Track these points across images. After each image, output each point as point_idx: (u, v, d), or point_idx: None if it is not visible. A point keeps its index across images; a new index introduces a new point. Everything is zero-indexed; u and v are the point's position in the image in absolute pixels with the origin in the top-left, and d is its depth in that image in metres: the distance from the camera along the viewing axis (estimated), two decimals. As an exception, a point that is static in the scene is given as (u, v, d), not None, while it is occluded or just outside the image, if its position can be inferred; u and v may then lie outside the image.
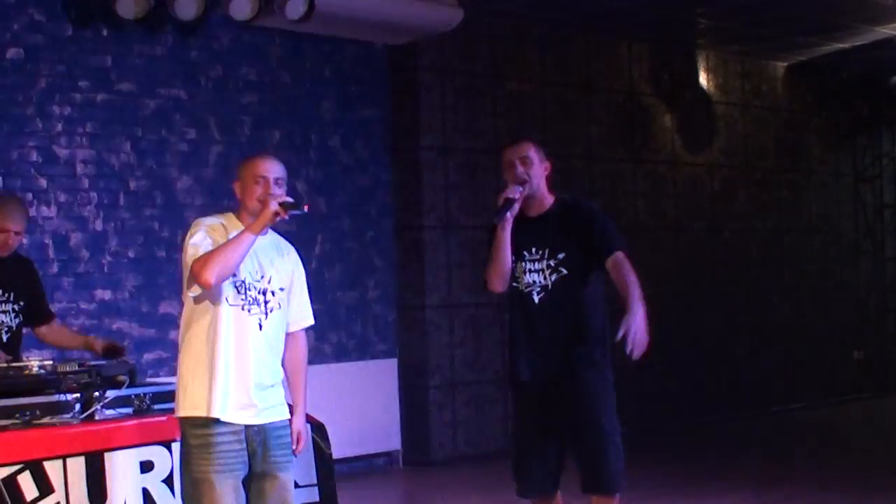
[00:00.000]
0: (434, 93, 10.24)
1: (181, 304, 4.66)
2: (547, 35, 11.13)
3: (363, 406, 9.68)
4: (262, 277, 4.57)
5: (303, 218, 9.74)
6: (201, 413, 4.43)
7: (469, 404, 10.36)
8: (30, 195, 7.98)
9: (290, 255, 4.76)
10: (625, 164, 11.89)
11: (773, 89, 13.64)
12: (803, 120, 14.00)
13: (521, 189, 5.24)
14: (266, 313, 4.55)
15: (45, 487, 4.72)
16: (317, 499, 5.59)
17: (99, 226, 8.35)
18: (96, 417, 4.97)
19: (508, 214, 5.21)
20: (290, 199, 4.55)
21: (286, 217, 4.53)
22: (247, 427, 4.47)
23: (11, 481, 4.64)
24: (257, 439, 4.50)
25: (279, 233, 4.76)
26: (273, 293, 4.60)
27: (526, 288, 5.30)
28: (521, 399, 5.37)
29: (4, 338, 5.84)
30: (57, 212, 8.17)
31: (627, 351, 4.93)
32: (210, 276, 4.33)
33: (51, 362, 5.30)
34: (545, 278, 5.27)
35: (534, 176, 5.30)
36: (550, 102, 11.16)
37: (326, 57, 9.76)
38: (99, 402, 4.99)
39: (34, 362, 5.24)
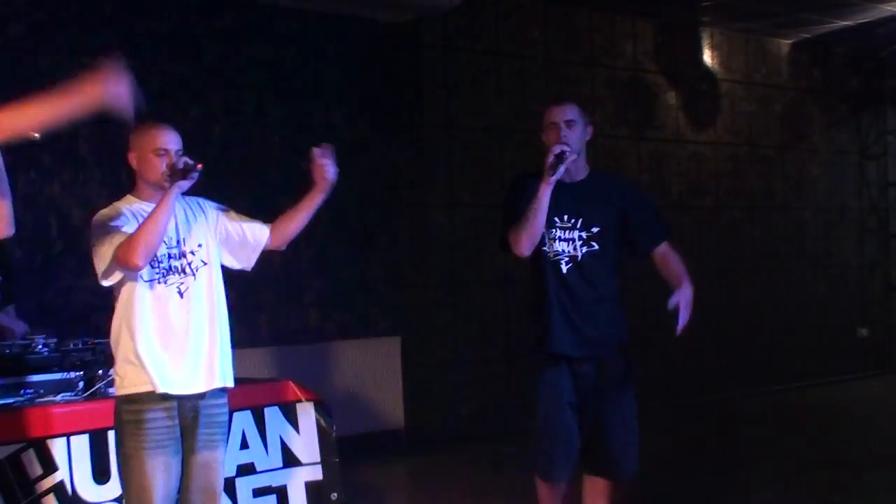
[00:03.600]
0: (437, 70, 10.21)
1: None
2: (550, 12, 11.09)
3: (366, 384, 9.69)
4: (178, 242, 4.55)
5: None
6: (135, 391, 4.39)
7: (472, 383, 10.36)
8: (33, 173, 7.96)
9: (203, 209, 4.75)
10: (628, 142, 11.86)
11: (777, 67, 13.60)
12: (808, 97, 13.96)
13: (569, 149, 4.87)
14: (193, 274, 4.54)
15: (48, 465, 4.74)
16: (320, 477, 5.61)
17: (101, 203, 8.33)
18: (100, 395, 4.98)
19: (554, 176, 4.84)
20: (188, 162, 4.48)
21: (192, 177, 4.48)
22: (180, 403, 4.44)
23: (15, 459, 4.66)
24: (190, 415, 4.46)
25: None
26: (193, 252, 4.57)
27: (554, 256, 4.99)
28: (551, 372, 5.00)
29: None
30: (60, 190, 8.15)
31: (681, 324, 4.87)
32: (137, 258, 4.31)
33: (54, 340, 5.31)
34: (575, 249, 4.98)
35: (577, 140, 4.98)
36: (554, 80, 11.12)
37: (330, 34, 9.73)
38: (102, 380, 5.00)
39: (38, 340, 5.24)
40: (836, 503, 7.36)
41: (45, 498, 4.71)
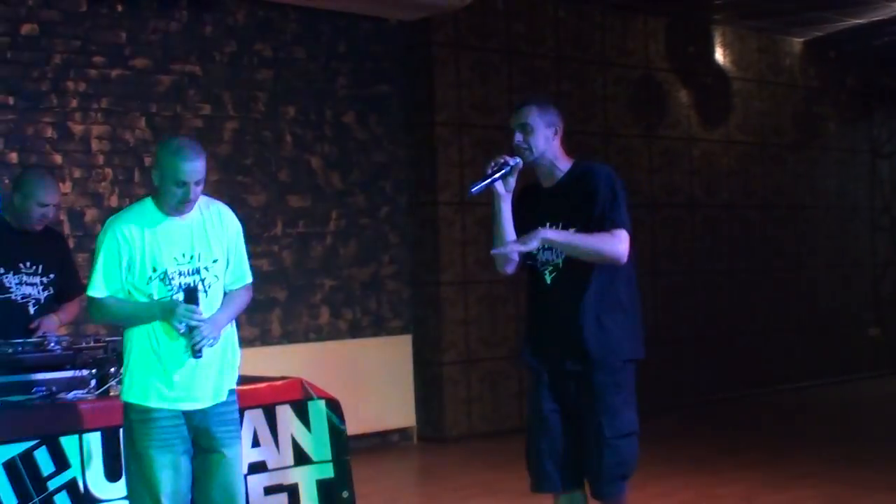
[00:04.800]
0: (449, 69, 10.21)
1: None
2: (562, 10, 11.08)
3: (378, 383, 9.69)
4: (193, 258, 4.45)
5: (317, 194, 9.74)
6: (140, 402, 4.43)
7: (483, 381, 10.36)
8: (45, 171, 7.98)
9: (223, 221, 4.58)
10: (640, 141, 11.85)
11: (789, 65, 13.57)
12: (820, 96, 13.93)
13: (515, 159, 4.65)
14: (205, 291, 4.47)
15: (61, 463, 4.75)
16: (331, 475, 5.61)
17: (114, 202, 8.35)
18: (112, 393, 4.99)
19: (499, 188, 4.65)
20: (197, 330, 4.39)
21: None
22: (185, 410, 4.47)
23: (28, 456, 4.67)
24: (197, 417, 4.48)
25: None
26: (207, 268, 4.48)
27: (541, 267, 4.77)
28: (532, 385, 4.87)
29: (31, 310, 5.84)
30: (72, 188, 8.17)
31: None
32: (98, 321, 4.37)
33: (67, 338, 5.33)
34: (556, 256, 4.70)
35: (536, 144, 4.69)
36: (566, 78, 11.12)
37: (341, 33, 9.74)
38: (115, 378, 5.01)
39: (51, 338, 5.26)
40: (852, 502, 7.36)
41: (58, 495, 4.72)
